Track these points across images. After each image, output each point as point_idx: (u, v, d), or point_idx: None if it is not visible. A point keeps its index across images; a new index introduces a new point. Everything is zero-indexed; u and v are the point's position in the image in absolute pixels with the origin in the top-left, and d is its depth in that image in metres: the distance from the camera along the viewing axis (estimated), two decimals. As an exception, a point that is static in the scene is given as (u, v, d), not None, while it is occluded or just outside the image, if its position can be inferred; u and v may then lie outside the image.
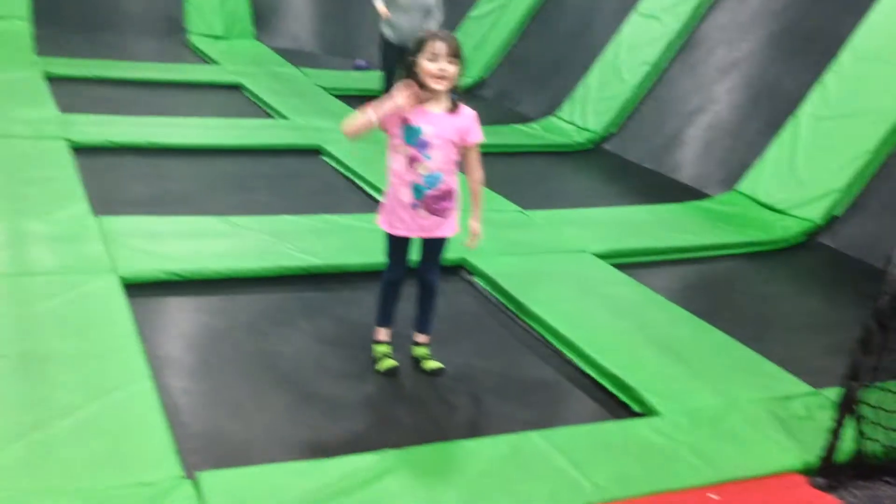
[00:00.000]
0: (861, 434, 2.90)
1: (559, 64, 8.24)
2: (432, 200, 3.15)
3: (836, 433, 2.88)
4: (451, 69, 3.05)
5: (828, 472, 2.90)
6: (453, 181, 3.20)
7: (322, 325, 3.72)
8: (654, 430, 3.05)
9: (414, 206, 3.16)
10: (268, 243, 4.30)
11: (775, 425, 3.15)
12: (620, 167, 6.83)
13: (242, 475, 2.59)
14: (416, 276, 3.42)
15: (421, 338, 3.49)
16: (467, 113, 3.18)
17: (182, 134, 6.10)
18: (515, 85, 8.54)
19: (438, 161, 3.12)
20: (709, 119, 6.76)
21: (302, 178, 5.71)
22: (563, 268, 4.46)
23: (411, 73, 3.08)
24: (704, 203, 5.88)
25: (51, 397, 2.83)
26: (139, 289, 3.74)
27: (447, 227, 3.25)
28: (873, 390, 2.88)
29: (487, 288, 4.22)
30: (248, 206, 4.96)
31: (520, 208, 5.30)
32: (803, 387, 3.45)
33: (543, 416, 3.23)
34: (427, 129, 3.09)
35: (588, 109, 7.46)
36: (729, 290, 4.74)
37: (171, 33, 9.55)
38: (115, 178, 5.23)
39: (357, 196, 5.44)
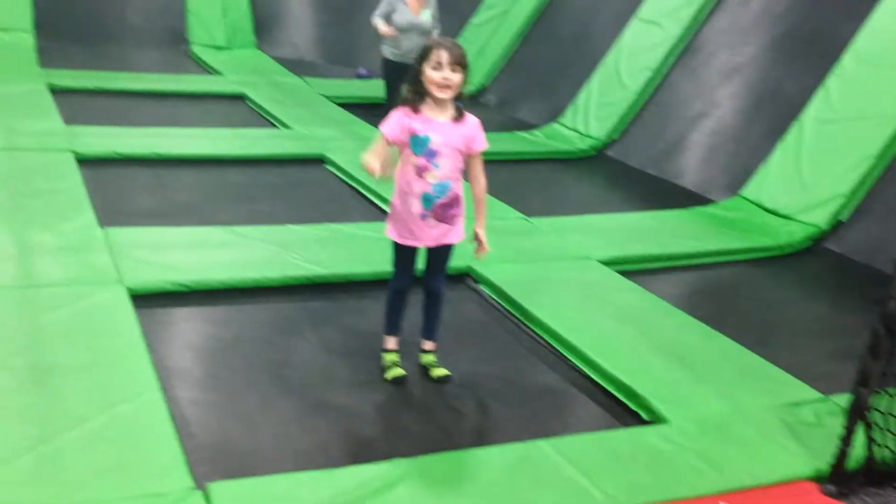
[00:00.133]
0: (871, 440, 2.89)
1: (561, 70, 8.25)
2: (441, 209, 3.16)
3: (846, 440, 2.87)
4: (454, 78, 3.06)
5: (838, 479, 2.89)
6: (460, 188, 3.21)
7: (329, 335, 3.72)
8: (663, 438, 3.04)
9: (423, 217, 3.16)
10: (273, 253, 4.30)
11: (785, 432, 3.14)
12: (623, 173, 6.83)
13: (252, 485, 2.59)
14: (422, 284, 3.42)
15: (428, 345, 3.49)
16: (472, 121, 3.19)
17: (186, 144, 6.12)
18: (517, 92, 8.55)
19: (446, 169, 3.13)
20: (711, 124, 6.77)
21: (306, 188, 5.72)
22: (569, 275, 4.46)
23: (416, 81, 3.09)
24: (709, 209, 5.88)
25: (59, 409, 2.84)
26: (146, 299, 3.75)
27: (454, 234, 3.26)
28: (883, 396, 2.87)
29: (493, 295, 4.22)
30: (252, 215, 4.97)
31: (524, 216, 5.30)
32: (812, 393, 3.45)
33: (551, 423, 3.23)
34: (435, 138, 3.10)
35: (590, 116, 7.48)
36: (735, 295, 4.74)
37: (174, 44, 9.58)
38: (121, 189, 5.24)
39: (361, 205, 5.44)
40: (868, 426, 2.87)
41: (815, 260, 5.28)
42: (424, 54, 3.07)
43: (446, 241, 3.26)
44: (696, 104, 6.98)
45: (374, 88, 8.58)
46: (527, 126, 7.80)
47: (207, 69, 8.96)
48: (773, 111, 6.39)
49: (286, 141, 6.58)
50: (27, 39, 8.74)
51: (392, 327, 3.44)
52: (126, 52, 9.17)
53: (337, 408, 3.16)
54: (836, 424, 3.01)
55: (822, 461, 2.95)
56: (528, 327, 3.95)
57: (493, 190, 5.41)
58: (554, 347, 3.77)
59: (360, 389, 3.31)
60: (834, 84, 5.97)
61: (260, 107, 7.59)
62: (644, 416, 3.28)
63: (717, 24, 7.24)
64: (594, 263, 4.63)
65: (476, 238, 3.32)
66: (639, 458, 2.92)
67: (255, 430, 2.96)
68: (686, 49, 7.32)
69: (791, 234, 5.39)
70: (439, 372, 3.42)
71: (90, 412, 2.82)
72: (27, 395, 2.90)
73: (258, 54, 9.75)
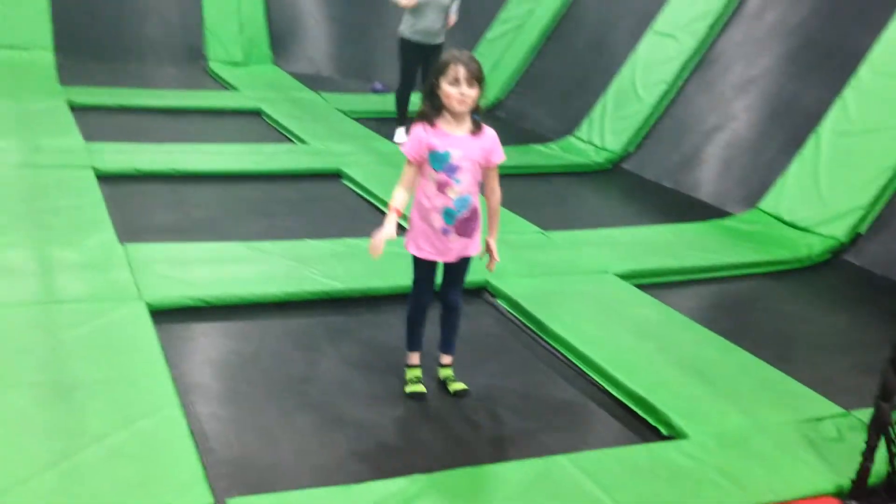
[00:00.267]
0: (893, 455, 2.86)
1: (576, 84, 8.26)
2: (462, 223, 3.18)
3: (867, 455, 2.85)
4: (472, 93, 3.07)
5: (860, 494, 2.86)
6: (477, 201, 3.23)
7: (347, 349, 3.73)
8: (682, 453, 3.03)
9: (445, 232, 3.18)
10: (291, 268, 4.32)
11: (806, 447, 3.12)
12: (640, 186, 6.82)
13: (271, 501, 2.60)
14: (439, 298, 3.43)
15: (446, 359, 3.50)
16: (490, 134, 3.21)
17: (204, 160, 6.16)
18: (532, 105, 8.56)
19: (466, 183, 3.14)
20: (727, 137, 6.75)
21: (323, 202, 5.74)
22: (586, 289, 4.46)
23: (433, 96, 3.10)
24: (726, 221, 5.86)
25: (80, 425, 2.86)
26: (165, 315, 3.77)
27: (473, 247, 3.28)
28: (905, 410, 2.85)
29: (510, 309, 4.22)
30: (270, 231, 5.00)
31: (540, 229, 5.30)
32: (833, 408, 3.42)
33: (569, 438, 3.22)
34: (455, 153, 3.12)
35: (606, 129, 7.48)
36: (753, 309, 4.71)
37: (192, 61, 9.66)
38: (140, 205, 5.29)
39: (378, 219, 5.41)
40: (890, 441, 2.85)
41: (834, 273, 5.24)
42: (441, 70, 3.08)
43: (466, 254, 3.27)
44: (711, 117, 6.97)
45: (390, 103, 8.64)
46: (542, 139, 7.81)
47: (224, 85, 9.04)
48: (790, 123, 6.37)
49: (303, 156, 6.61)
50: (47, 57, 8.84)
51: (414, 343, 3.44)
52: (145, 69, 9.27)
53: (355, 423, 3.16)
54: (858, 439, 2.99)
55: (844, 476, 2.93)
56: (546, 341, 3.94)
57: (509, 204, 5.45)
58: (571, 362, 3.77)
59: (379, 404, 3.31)
60: (851, 96, 5.95)
61: (276, 122, 7.64)
62: (663, 431, 3.27)
63: (732, 36, 7.24)
64: (611, 277, 4.62)
65: (487, 249, 3.33)
66: (659, 473, 2.91)
67: (274, 445, 2.97)
68: (701, 62, 7.32)
69: (810, 246, 5.36)
70: (457, 386, 3.42)
71: (111, 428, 2.84)
72: (49, 411, 2.93)
73: (274, 70, 9.82)
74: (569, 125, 7.87)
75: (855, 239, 5.45)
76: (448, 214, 3.16)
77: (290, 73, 9.74)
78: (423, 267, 3.29)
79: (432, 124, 3.13)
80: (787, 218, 5.73)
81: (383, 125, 7.87)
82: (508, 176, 6.13)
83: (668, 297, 4.49)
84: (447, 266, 3.32)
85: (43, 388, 3.05)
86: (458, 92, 3.06)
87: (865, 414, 3.07)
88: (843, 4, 6.59)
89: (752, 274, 5.07)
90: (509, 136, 7.16)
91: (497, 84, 8.86)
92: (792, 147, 6.16)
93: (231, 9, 9.94)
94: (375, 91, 9.45)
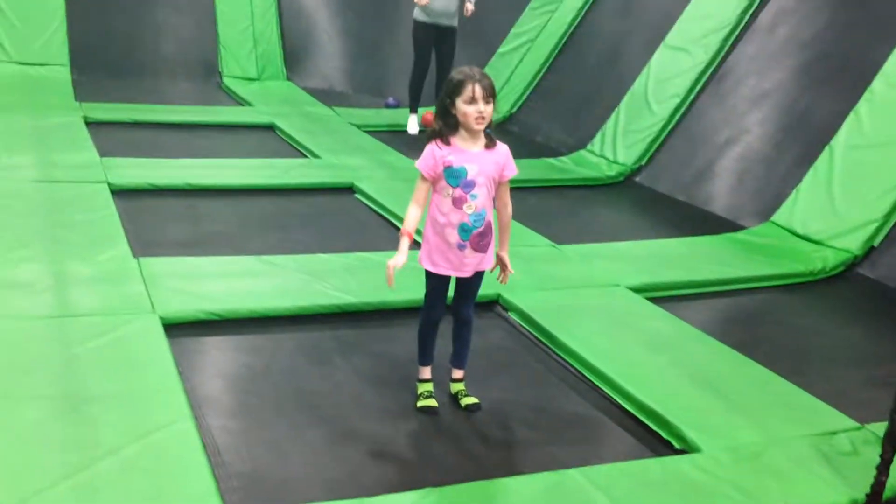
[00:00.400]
0: (909, 469, 2.85)
1: (588, 98, 8.28)
2: (478, 238, 3.19)
3: (883, 469, 2.82)
4: (489, 110, 3.09)
5: (875, 508, 2.84)
6: (491, 216, 3.24)
7: (359, 363, 3.74)
8: (696, 467, 3.01)
9: (461, 248, 3.19)
10: (304, 282, 4.34)
11: (820, 461, 3.10)
12: (652, 200, 6.81)
13: (283, 515, 2.60)
14: (452, 312, 3.44)
15: (457, 373, 3.49)
16: (503, 149, 3.22)
17: (218, 175, 6.20)
18: (545, 119, 8.58)
19: (482, 199, 3.16)
20: (741, 150, 6.74)
21: (336, 216, 5.77)
22: (598, 302, 4.45)
23: (447, 114, 3.12)
24: (739, 235, 5.84)
25: (94, 437, 2.87)
26: (179, 329, 3.79)
27: (488, 261, 3.29)
28: (920, 424, 2.82)
29: (522, 323, 4.22)
30: (283, 244, 5.02)
31: (552, 243, 5.30)
32: (847, 421, 3.40)
33: (581, 452, 3.21)
34: (471, 169, 3.13)
35: (618, 142, 7.48)
36: (766, 322, 4.69)
37: (207, 77, 9.74)
38: (154, 219, 5.32)
39: (390, 233, 5.48)
40: (906, 455, 2.82)
41: (849, 286, 5.22)
42: (456, 89, 3.09)
43: (481, 268, 3.29)
44: (724, 130, 6.96)
45: (402, 117, 8.69)
46: (555, 153, 7.82)
47: (238, 100, 9.11)
48: (803, 137, 6.35)
49: (316, 170, 6.65)
50: (63, 73, 8.94)
51: (426, 357, 3.44)
52: (159, 86, 9.35)
53: (367, 436, 3.17)
54: (873, 453, 2.96)
55: (859, 491, 2.90)
56: (558, 355, 3.93)
57: (522, 217, 5.47)
58: (584, 375, 3.76)
59: (391, 418, 3.31)
60: (864, 109, 5.93)
61: (290, 137, 7.69)
62: (676, 444, 3.25)
63: (745, 50, 7.24)
64: (624, 290, 4.62)
65: (500, 262, 3.33)
66: (672, 487, 2.89)
67: (285, 459, 2.98)
68: (714, 75, 7.32)
69: (824, 259, 5.33)
70: (469, 400, 3.42)
71: (124, 441, 2.86)
72: (63, 423, 2.94)
73: (288, 85, 9.89)
74: (581, 139, 7.88)
75: (869, 252, 5.42)
76: (464, 230, 3.17)
77: (303, 89, 9.80)
78: (436, 281, 3.30)
79: (448, 142, 3.15)
80: (800, 231, 5.70)
81: (396, 139, 7.91)
82: (521, 189, 6.19)
83: (681, 311, 4.47)
84: (460, 280, 3.32)
85: (57, 401, 3.07)
86: (475, 110, 3.07)
87: (880, 427, 3.05)
88: (856, 18, 6.58)
89: (766, 287, 5.05)
90: (522, 150, 7.19)
91: (510, 98, 8.89)
92: (805, 160, 6.14)
93: (245, 25, 10.03)
94: (389, 106, 9.49)
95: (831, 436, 3.28)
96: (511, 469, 3.05)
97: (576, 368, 3.81)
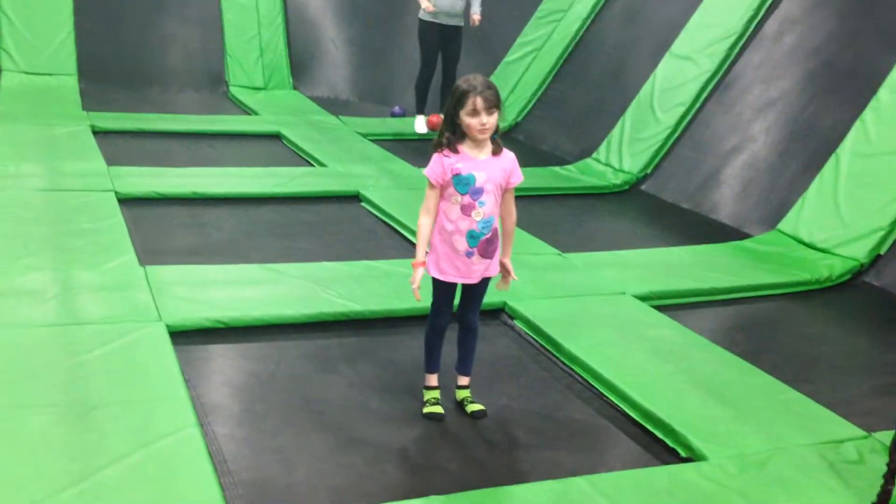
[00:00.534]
0: (916, 478, 2.83)
1: (594, 106, 8.29)
2: (485, 245, 3.20)
3: (889, 478, 2.81)
4: (492, 120, 3.11)
5: (883, 517, 2.83)
6: (498, 221, 3.26)
7: (365, 370, 3.74)
8: (702, 476, 3.00)
9: (469, 255, 3.20)
10: (309, 290, 4.35)
11: (826, 470, 3.08)
12: (658, 208, 6.81)
13: (289, 522, 2.60)
14: (458, 319, 3.44)
15: (463, 380, 3.50)
16: (509, 155, 3.25)
17: (224, 184, 6.22)
18: (551, 128, 8.59)
19: (490, 205, 3.18)
20: (746, 158, 6.74)
21: (342, 225, 5.78)
22: (604, 310, 4.44)
23: (452, 124, 3.14)
24: (745, 243, 5.83)
25: (100, 445, 2.88)
26: (185, 336, 3.80)
27: (494, 267, 3.31)
28: (927, 433, 2.81)
29: (528, 331, 4.21)
30: (289, 253, 5.03)
31: (558, 251, 5.30)
32: (854, 430, 3.38)
33: (587, 460, 3.21)
34: (479, 176, 3.15)
35: (624, 151, 7.48)
36: (773, 331, 4.68)
37: (213, 86, 9.78)
38: (161, 228, 5.34)
39: (396, 241, 5.49)
40: (913, 464, 2.81)
41: (855, 294, 5.20)
42: (459, 102, 3.10)
43: (487, 274, 3.31)
44: (730, 138, 6.96)
45: (409, 125, 8.71)
46: (560, 161, 7.83)
47: (245, 109, 9.14)
48: (809, 145, 6.35)
49: (322, 178, 6.66)
50: (71, 83, 9.00)
51: (432, 364, 3.45)
52: (166, 95, 9.40)
53: (372, 444, 3.17)
54: (879, 462, 2.96)
55: (865, 500, 2.89)
56: (563, 363, 3.93)
57: (528, 225, 5.48)
58: (589, 383, 3.75)
59: (396, 425, 3.31)
60: (870, 117, 5.93)
61: (296, 145, 7.71)
62: (682, 453, 3.24)
63: (751, 59, 7.24)
64: (629, 299, 4.61)
65: (503, 268, 3.34)
66: (678, 496, 2.88)
67: (291, 466, 2.98)
68: (720, 84, 7.32)
69: (830, 268, 5.32)
70: (474, 407, 3.42)
71: (130, 448, 2.86)
72: (69, 430, 2.95)
73: (294, 94, 9.93)
74: (587, 147, 7.89)
75: (875, 260, 5.41)
76: (472, 237, 3.18)
77: (309, 98, 9.84)
78: (443, 289, 3.31)
79: (456, 150, 3.16)
80: (806, 239, 5.70)
81: (401, 148, 7.93)
82: (527, 198, 6.19)
83: (687, 319, 4.47)
84: (466, 287, 3.33)
85: (63, 409, 3.08)
86: (477, 122, 3.10)
87: (887, 436, 3.04)
88: (862, 26, 6.59)
89: (772, 295, 5.04)
90: (528, 159, 7.21)
91: (515, 107, 8.90)
92: (811, 169, 6.14)
93: (252, 35, 10.08)
94: (395, 115, 9.52)
95: (838, 444, 3.26)
96: (517, 476, 3.05)
97: (581, 376, 3.81)
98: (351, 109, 9.62)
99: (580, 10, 9.03)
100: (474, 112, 3.08)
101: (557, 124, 8.55)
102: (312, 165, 7.19)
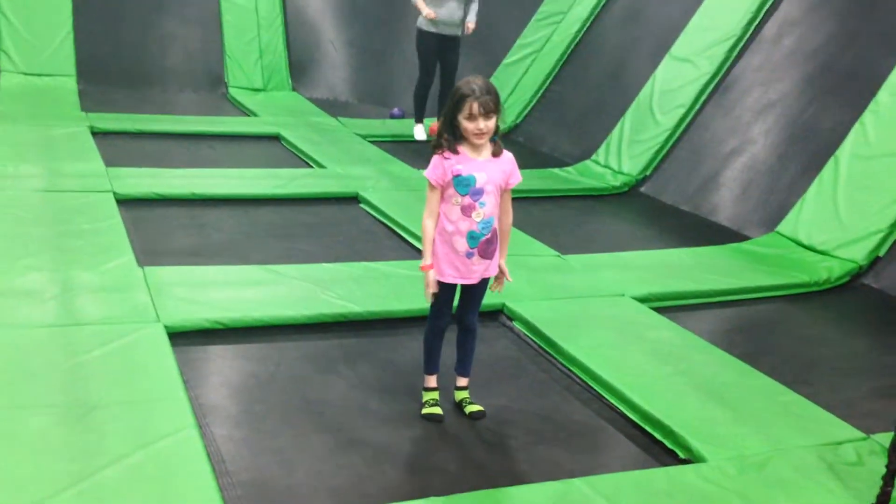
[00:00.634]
0: (915, 480, 2.83)
1: (593, 108, 8.29)
2: (485, 245, 3.21)
3: (888, 480, 2.81)
4: (489, 124, 3.11)
5: (882, 519, 2.83)
6: (497, 222, 3.26)
7: (364, 371, 3.74)
8: (701, 477, 3.00)
9: (469, 255, 3.20)
10: (309, 291, 4.34)
11: (826, 472, 3.08)
12: (657, 210, 6.82)
13: (288, 523, 2.60)
14: (456, 320, 3.44)
15: (462, 381, 3.50)
16: (508, 156, 3.25)
17: (224, 185, 6.22)
18: (550, 129, 8.60)
19: (490, 206, 3.18)
20: (746, 160, 6.74)
21: (341, 226, 5.78)
22: (603, 312, 4.44)
23: (451, 127, 3.14)
24: (744, 245, 5.83)
25: (99, 445, 2.88)
26: (184, 337, 3.80)
27: (493, 268, 3.31)
28: (926, 434, 2.81)
29: (527, 333, 4.21)
30: (288, 254, 5.03)
31: (557, 253, 5.30)
32: (853, 432, 3.38)
33: (587, 461, 3.21)
34: (480, 177, 3.15)
35: (623, 153, 7.48)
36: (772, 332, 4.68)
37: (213, 88, 9.79)
38: (160, 229, 5.34)
39: (395, 243, 5.49)
40: (912, 466, 2.81)
41: (854, 296, 5.21)
42: (457, 106, 3.11)
43: (487, 275, 3.31)
44: (729, 141, 6.97)
45: (408, 127, 8.72)
46: (560, 163, 7.83)
47: (244, 111, 9.14)
48: (808, 147, 6.36)
49: (321, 180, 6.66)
50: (70, 84, 9.00)
51: (431, 365, 3.45)
52: (166, 96, 9.40)
53: (372, 444, 3.16)
54: (878, 464, 2.95)
55: (864, 501, 2.89)
56: (562, 364, 3.93)
57: (526, 227, 5.48)
58: (588, 385, 3.75)
59: (395, 426, 3.31)
60: (870, 119, 5.93)
61: (295, 147, 7.71)
62: (681, 454, 3.24)
63: (750, 61, 7.25)
64: (629, 300, 4.61)
65: (498, 269, 3.34)
66: (677, 497, 2.88)
67: (290, 467, 2.98)
68: (719, 86, 7.33)
69: (829, 270, 5.32)
70: (473, 408, 3.42)
71: (129, 449, 2.86)
72: (68, 431, 2.95)
73: (293, 95, 9.93)
74: (586, 149, 7.89)
75: (874, 262, 5.41)
76: (472, 237, 3.19)
77: (308, 99, 9.84)
78: (443, 290, 3.31)
79: (456, 151, 3.17)
80: (805, 241, 5.70)
81: (400, 149, 7.93)
82: (526, 199, 6.20)
83: (686, 321, 4.47)
84: (465, 288, 3.33)
85: (62, 409, 3.07)
86: (474, 126, 3.10)
87: (886, 438, 3.04)
88: (861, 29, 6.59)
89: (771, 297, 5.04)
90: (527, 160, 7.20)
91: (515, 109, 8.90)
92: (811, 171, 6.14)
93: (251, 36, 10.08)
94: (394, 117, 9.52)
95: (837, 446, 3.26)
96: (516, 478, 3.05)
97: (580, 378, 3.81)
98: (350, 111, 9.62)
99: (580, 11, 9.04)
100: (471, 116, 3.09)
101: (557, 126, 8.55)
102: (312, 167, 7.19)
